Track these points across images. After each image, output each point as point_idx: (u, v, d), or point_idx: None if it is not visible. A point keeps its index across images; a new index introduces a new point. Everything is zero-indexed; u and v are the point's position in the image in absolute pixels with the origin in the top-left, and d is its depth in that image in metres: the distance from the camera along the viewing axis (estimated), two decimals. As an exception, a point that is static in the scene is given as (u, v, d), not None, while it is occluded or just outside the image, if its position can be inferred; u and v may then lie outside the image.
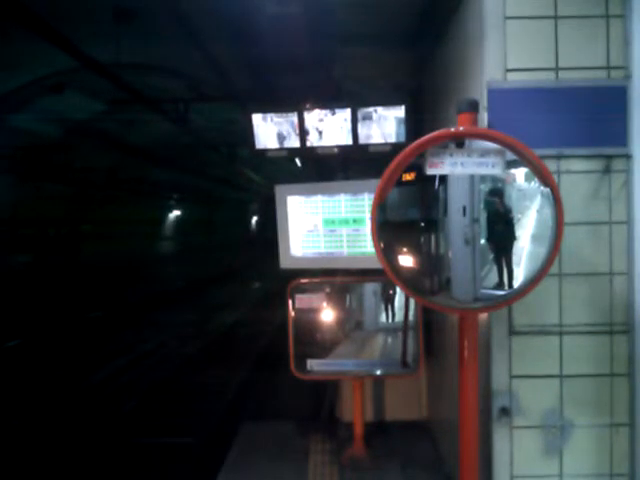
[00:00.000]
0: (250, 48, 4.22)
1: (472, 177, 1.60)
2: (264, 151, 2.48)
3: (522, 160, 1.50)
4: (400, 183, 1.60)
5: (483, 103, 1.81)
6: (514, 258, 1.59)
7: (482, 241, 1.62)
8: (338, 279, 2.65)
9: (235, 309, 10.69)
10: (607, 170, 1.82)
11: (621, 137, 1.81)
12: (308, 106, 2.37)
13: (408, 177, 1.61)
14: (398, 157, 1.53)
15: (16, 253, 9.10)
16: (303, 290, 2.60)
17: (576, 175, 1.83)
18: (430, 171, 1.54)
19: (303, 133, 2.38)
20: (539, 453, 1.86)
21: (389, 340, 2.65)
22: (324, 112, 2.36)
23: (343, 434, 2.86)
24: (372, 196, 1.62)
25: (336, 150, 2.39)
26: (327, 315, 2.65)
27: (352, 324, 2.69)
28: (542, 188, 1.49)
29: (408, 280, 1.64)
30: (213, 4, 4.30)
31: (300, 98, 2.51)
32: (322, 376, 2.70)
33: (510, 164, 1.53)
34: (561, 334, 1.85)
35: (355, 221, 2.44)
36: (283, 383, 4.19)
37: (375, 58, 3.06)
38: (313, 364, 2.61)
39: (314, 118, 2.36)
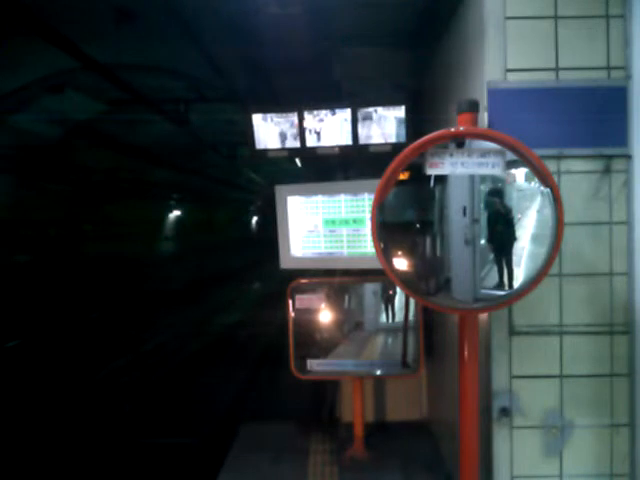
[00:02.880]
0: (250, 48, 4.21)
1: (472, 177, 1.60)
2: (264, 151, 2.48)
3: (522, 160, 1.50)
4: (396, 183, 1.60)
5: (483, 103, 1.81)
6: (514, 258, 1.59)
7: (482, 241, 1.62)
8: (338, 279, 2.65)
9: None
10: (607, 170, 1.82)
11: (621, 137, 1.81)
12: (308, 106, 2.37)
13: (402, 176, 1.61)
14: (398, 157, 1.53)
15: (18, 254, 9.10)
16: (303, 290, 2.60)
17: (576, 175, 1.83)
18: (430, 171, 1.54)
19: (303, 133, 2.39)
20: (539, 453, 1.86)
21: (389, 340, 2.65)
22: (324, 112, 2.36)
23: (343, 434, 2.86)
24: (372, 196, 1.62)
25: (336, 150, 2.39)
26: (327, 315, 2.65)
27: (352, 324, 2.69)
28: (542, 188, 1.49)
29: (408, 280, 1.64)
30: (213, 4, 4.30)
31: (300, 98, 2.51)
32: (322, 376, 2.70)
33: (510, 164, 1.53)
34: (561, 334, 1.85)
35: (355, 221, 2.44)
36: (283, 383, 4.19)
37: (375, 58, 3.06)
38: (313, 364, 2.62)
39: (314, 118, 2.37)
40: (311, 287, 2.62)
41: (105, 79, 5.44)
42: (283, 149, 2.45)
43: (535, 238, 1.57)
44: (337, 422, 3.11)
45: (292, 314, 2.60)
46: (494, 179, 1.60)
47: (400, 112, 2.29)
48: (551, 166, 1.78)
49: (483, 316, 1.89)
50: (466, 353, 1.65)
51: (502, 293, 1.60)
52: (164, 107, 7.53)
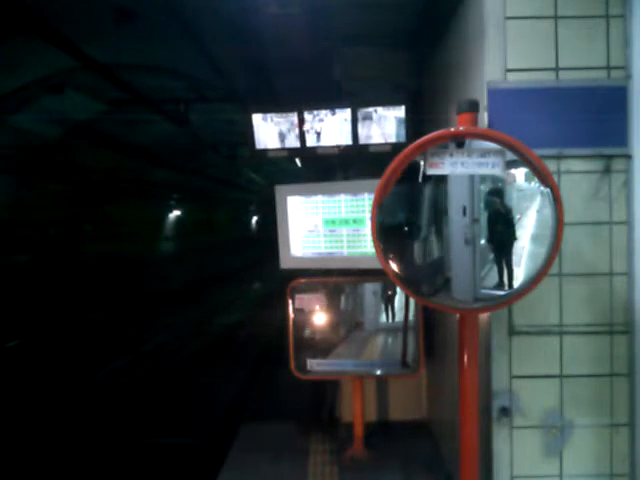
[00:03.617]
0: (250, 48, 4.22)
1: (472, 177, 1.60)
2: (264, 151, 2.48)
3: (522, 160, 1.50)
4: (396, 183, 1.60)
5: (483, 103, 1.81)
6: (514, 258, 1.59)
7: (482, 241, 1.62)
8: (338, 279, 2.65)
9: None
10: (607, 170, 1.82)
11: (621, 137, 1.81)
12: (308, 106, 2.37)
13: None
14: (398, 157, 1.53)
15: (18, 254, 9.10)
16: (303, 290, 2.60)
17: (576, 175, 1.83)
18: (430, 171, 1.54)
19: (303, 133, 2.39)
20: (539, 453, 1.86)
21: (389, 340, 2.65)
22: (324, 112, 2.36)
23: (343, 434, 2.86)
24: (372, 196, 1.62)
25: (336, 150, 2.39)
26: (327, 315, 2.65)
27: (352, 324, 2.69)
28: (542, 188, 1.49)
29: (408, 280, 1.64)
30: (213, 4, 4.30)
31: (300, 98, 2.51)
32: (322, 376, 2.70)
33: (510, 164, 1.53)
34: (561, 334, 1.85)
35: (355, 221, 2.44)
36: (283, 383, 4.19)
37: (375, 58, 3.06)
38: (313, 364, 2.62)
39: (314, 118, 2.37)
40: (311, 287, 2.62)
41: (105, 79, 5.45)
42: (283, 149, 2.45)
43: (535, 238, 1.57)
44: (337, 422, 3.11)
45: (292, 314, 2.60)
46: (494, 179, 1.60)
47: (400, 112, 2.29)
48: (551, 166, 1.78)
49: (483, 316, 1.89)
50: (466, 353, 1.65)
51: (502, 293, 1.60)
52: (164, 107, 7.53)
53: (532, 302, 1.80)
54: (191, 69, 6.89)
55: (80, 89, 7.19)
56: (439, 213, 1.68)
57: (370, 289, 2.65)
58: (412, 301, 2.52)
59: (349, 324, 2.69)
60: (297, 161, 8.68)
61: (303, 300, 2.61)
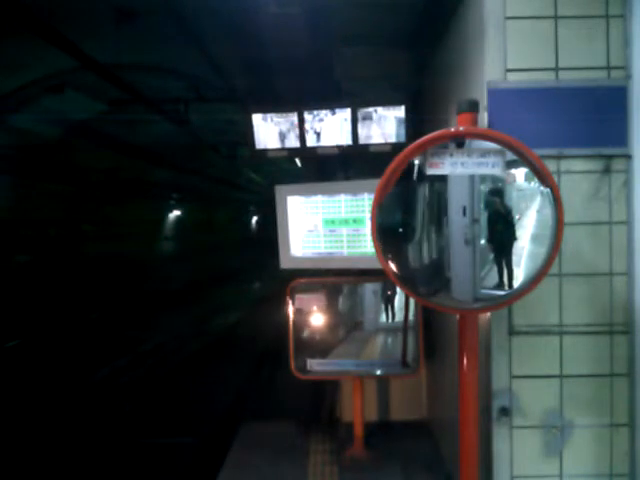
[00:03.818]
0: (250, 48, 4.22)
1: (472, 177, 1.60)
2: (264, 151, 2.48)
3: (522, 160, 1.50)
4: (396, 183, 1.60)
5: (483, 103, 1.81)
6: (514, 258, 1.59)
7: (482, 241, 1.62)
8: (338, 279, 2.65)
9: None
10: (607, 170, 1.82)
11: (621, 137, 1.81)
12: (308, 106, 2.37)
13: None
14: (398, 157, 1.53)
15: (18, 254, 9.09)
16: (303, 290, 2.60)
17: (576, 175, 1.83)
18: (430, 171, 1.55)
19: (303, 133, 2.39)
20: (539, 453, 1.86)
21: (389, 340, 2.65)
22: (324, 112, 2.36)
23: (343, 434, 2.86)
24: (372, 196, 1.62)
25: (336, 150, 2.40)
26: (327, 315, 2.65)
27: (352, 324, 2.70)
28: (542, 188, 1.49)
29: (408, 280, 1.64)
30: (213, 4, 4.30)
31: (300, 98, 2.51)
32: (322, 376, 2.70)
33: (510, 164, 1.53)
34: (561, 334, 1.85)
35: (355, 221, 2.44)
36: (283, 383, 4.19)
37: (375, 58, 3.06)
38: (313, 364, 2.62)
39: (314, 118, 2.37)
40: (311, 287, 2.62)
41: (105, 79, 5.44)
42: (283, 149, 2.45)
43: (535, 238, 1.57)
44: (337, 422, 3.11)
45: (292, 314, 2.60)
46: (494, 179, 1.60)
47: (400, 112, 2.29)
48: (551, 166, 1.78)
49: (483, 316, 1.89)
50: (466, 353, 1.65)
51: (502, 293, 1.60)
52: (164, 107, 7.53)
53: (532, 302, 1.80)
54: (191, 69, 6.88)
55: (80, 89, 7.18)
56: (439, 213, 1.68)
57: (370, 289, 2.65)
58: (412, 301, 2.52)
59: (349, 324, 2.70)
60: (297, 161, 8.68)
61: (303, 300, 2.61)
